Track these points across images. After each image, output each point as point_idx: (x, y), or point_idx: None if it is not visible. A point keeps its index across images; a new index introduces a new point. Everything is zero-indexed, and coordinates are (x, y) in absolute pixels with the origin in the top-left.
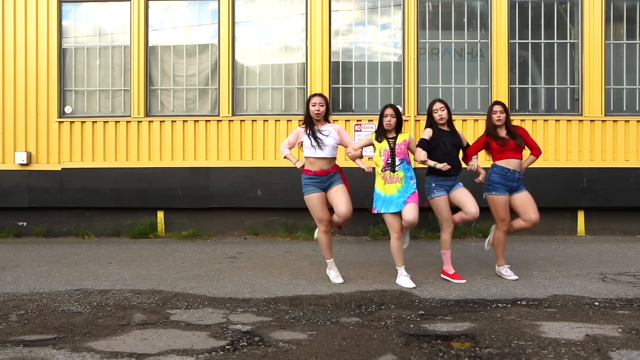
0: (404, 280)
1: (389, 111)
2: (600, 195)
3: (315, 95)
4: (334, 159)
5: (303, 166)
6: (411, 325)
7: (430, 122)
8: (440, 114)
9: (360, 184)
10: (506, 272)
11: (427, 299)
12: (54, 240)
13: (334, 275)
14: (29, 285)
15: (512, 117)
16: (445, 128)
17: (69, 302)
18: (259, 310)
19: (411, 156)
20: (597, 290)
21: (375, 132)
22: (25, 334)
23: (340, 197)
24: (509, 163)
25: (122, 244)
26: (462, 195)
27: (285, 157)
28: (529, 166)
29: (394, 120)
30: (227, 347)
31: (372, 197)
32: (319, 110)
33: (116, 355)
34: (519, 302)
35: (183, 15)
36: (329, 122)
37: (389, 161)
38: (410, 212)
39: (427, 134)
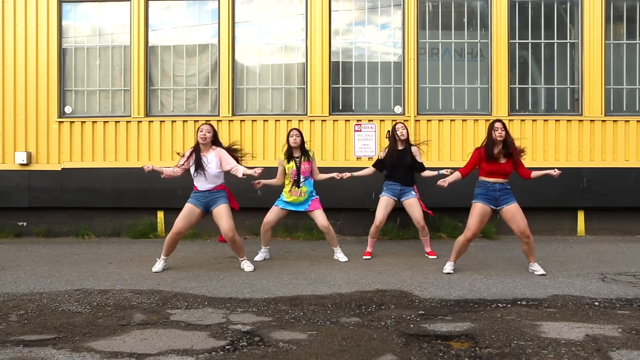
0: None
1: (294, 132)
2: (600, 195)
3: (205, 124)
4: (218, 179)
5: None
6: (411, 325)
7: (393, 139)
8: (401, 132)
9: (360, 184)
10: (448, 266)
11: (427, 299)
12: (54, 240)
13: (159, 264)
14: (29, 285)
15: (511, 118)
16: (402, 147)
17: (69, 302)
18: (259, 310)
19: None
20: (597, 290)
21: (284, 154)
22: (25, 334)
23: (222, 216)
24: (490, 179)
25: (122, 244)
26: (411, 204)
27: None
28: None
29: (299, 139)
30: (227, 347)
31: (371, 197)
32: (205, 136)
33: (116, 355)
34: (519, 302)
35: (183, 15)
36: (212, 149)
37: (295, 179)
38: (323, 218)
39: (382, 154)
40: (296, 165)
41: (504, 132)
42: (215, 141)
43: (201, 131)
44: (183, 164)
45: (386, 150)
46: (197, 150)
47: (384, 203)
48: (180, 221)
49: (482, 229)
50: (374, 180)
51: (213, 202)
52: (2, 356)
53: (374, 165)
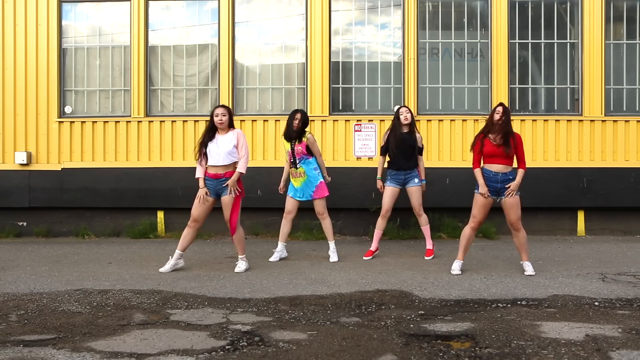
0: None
1: (297, 114)
2: (600, 195)
3: (218, 106)
4: (231, 165)
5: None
6: (411, 325)
7: (395, 123)
8: (405, 115)
9: (360, 184)
10: (456, 266)
11: (427, 299)
12: (54, 240)
13: (169, 264)
14: (29, 285)
15: (512, 118)
16: (406, 130)
17: (69, 302)
18: (259, 310)
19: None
20: (597, 290)
21: (283, 134)
22: (25, 334)
23: (227, 205)
24: (493, 167)
25: (122, 244)
26: (412, 192)
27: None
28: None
29: (300, 123)
30: (227, 347)
31: (371, 197)
32: (221, 120)
33: (116, 355)
34: (519, 302)
35: (183, 15)
36: (232, 129)
37: (292, 160)
38: (321, 206)
39: (384, 138)
40: (291, 147)
41: (504, 117)
42: (231, 123)
43: (216, 116)
44: (202, 154)
45: (388, 133)
46: (209, 130)
47: (389, 192)
48: (195, 209)
49: (484, 220)
50: (373, 180)
51: (223, 189)
52: (2, 356)
53: (381, 154)
